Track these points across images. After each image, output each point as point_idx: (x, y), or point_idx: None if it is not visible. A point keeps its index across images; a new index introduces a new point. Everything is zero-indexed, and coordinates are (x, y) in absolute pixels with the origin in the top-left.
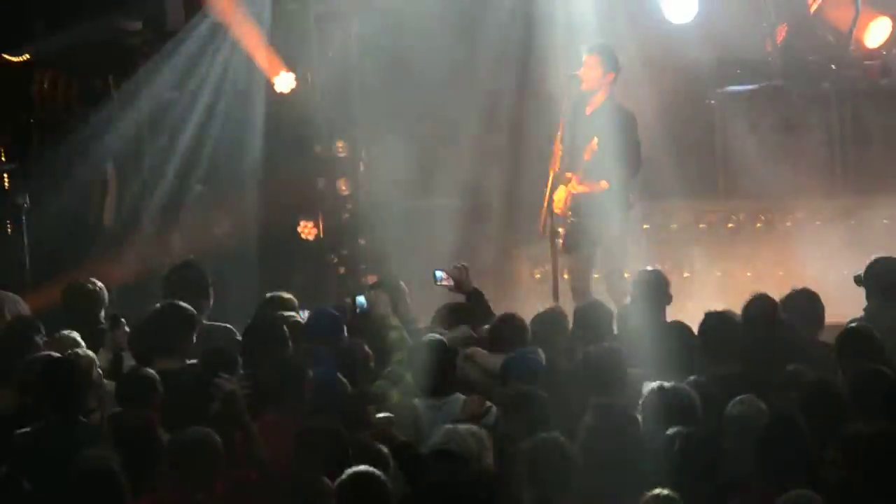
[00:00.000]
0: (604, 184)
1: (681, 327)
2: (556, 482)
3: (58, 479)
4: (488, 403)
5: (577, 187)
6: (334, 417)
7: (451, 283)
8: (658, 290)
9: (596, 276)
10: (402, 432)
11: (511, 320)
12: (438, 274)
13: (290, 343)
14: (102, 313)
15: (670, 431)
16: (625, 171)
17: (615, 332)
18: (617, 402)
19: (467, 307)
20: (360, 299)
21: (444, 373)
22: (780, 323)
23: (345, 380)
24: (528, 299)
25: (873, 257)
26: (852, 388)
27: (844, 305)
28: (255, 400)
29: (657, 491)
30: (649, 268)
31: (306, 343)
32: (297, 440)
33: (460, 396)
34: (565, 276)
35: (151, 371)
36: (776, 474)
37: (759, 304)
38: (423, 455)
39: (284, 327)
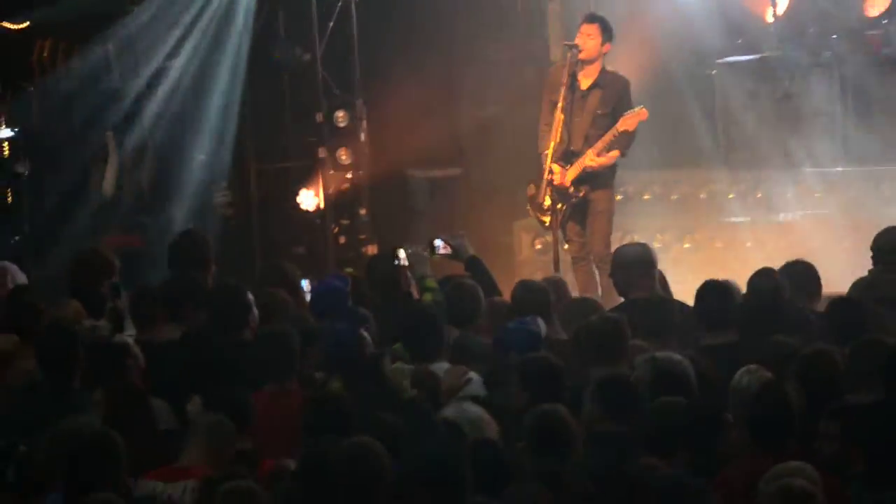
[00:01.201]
0: (615, 153)
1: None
2: (560, 453)
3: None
4: (469, 375)
5: (595, 160)
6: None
7: (449, 251)
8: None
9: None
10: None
11: (532, 286)
12: (437, 243)
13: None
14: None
15: (663, 400)
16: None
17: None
18: (620, 372)
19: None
20: (400, 251)
21: (430, 338)
22: (781, 295)
23: (367, 336)
24: (528, 269)
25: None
26: (851, 358)
27: (847, 277)
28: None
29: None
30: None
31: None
32: (303, 409)
33: (445, 365)
34: (565, 247)
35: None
36: (766, 444)
37: (764, 277)
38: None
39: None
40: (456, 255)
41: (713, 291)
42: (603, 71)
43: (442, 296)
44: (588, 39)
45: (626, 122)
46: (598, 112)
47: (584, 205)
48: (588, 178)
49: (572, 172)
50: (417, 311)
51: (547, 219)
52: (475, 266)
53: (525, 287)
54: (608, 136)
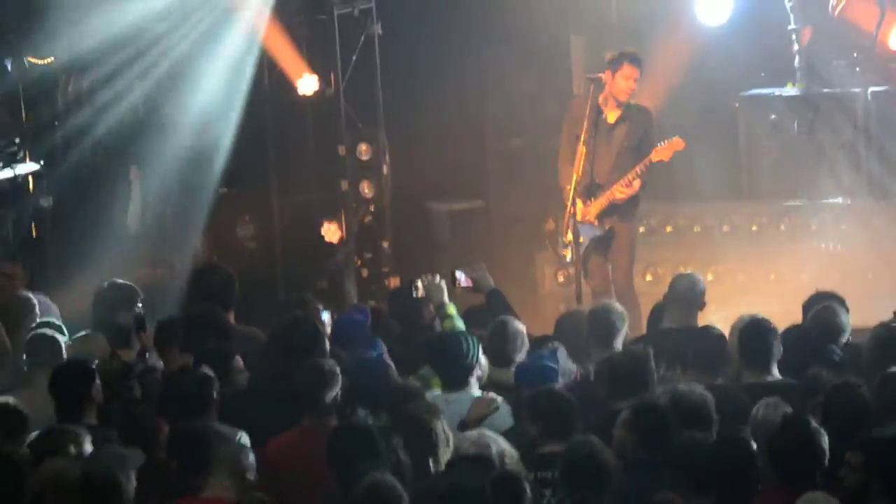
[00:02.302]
0: (637, 182)
1: (711, 330)
2: (591, 486)
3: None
4: (497, 403)
5: (624, 191)
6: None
7: (470, 283)
8: (693, 294)
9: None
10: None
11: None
12: (458, 275)
13: (320, 347)
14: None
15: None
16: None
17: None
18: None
19: (487, 308)
20: (417, 282)
21: (460, 367)
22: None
23: (391, 365)
24: (551, 302)
25: None
26: (879, 391)
27: (870, 308)
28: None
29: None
30: (687, 271)
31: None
32: (329, 444)
33: (473, 394)
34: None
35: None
36: (789, 477)
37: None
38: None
39: (311, 331)
40: (477, 287)
41: (755, 330)
42: (629, 104)
43: (459, 322)
44: (631, 82)
45: (661, 153)
46: (625, 145)
47: (607, 238)
48: (612, 211)
49: (595, 207)
50: (446, 338)
51: (568, 253)
52: (496, 298)
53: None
54: (640, 167)
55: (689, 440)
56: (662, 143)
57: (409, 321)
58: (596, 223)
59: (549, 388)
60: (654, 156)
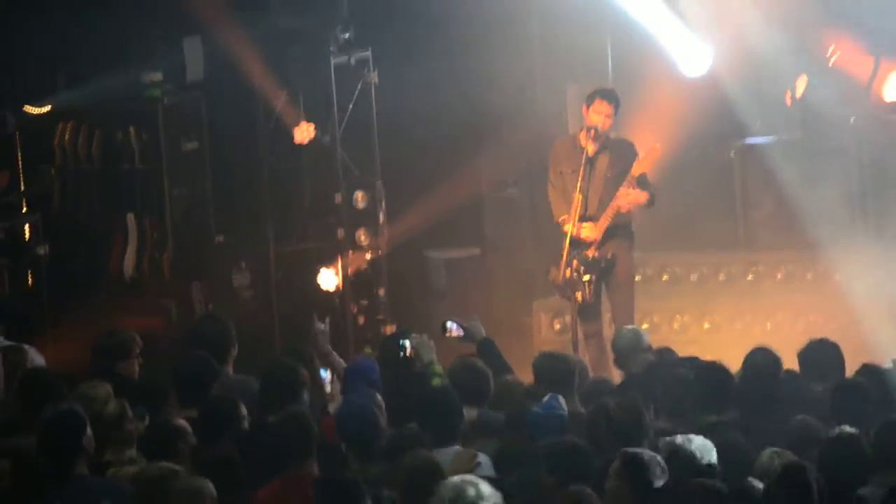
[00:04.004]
0: (644, 194)
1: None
2: None
3: None
4: (477, 459)
5: (626, 197)
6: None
7: (462, 333)
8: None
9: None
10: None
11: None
12: (449, 325)
13: (305, 396)
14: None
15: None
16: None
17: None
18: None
19: (478, 357)
20: (405, 342)
21: (448, 421)
22: (776, 372)
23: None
24: (548, 349)
25: None
26: (875, 440)
27: (868, 358)
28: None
29: None
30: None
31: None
32: (315, 494)
33: (457, 449)
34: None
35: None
36: None
37: (760, 356)
38: None
39: (297, 380)
40: (469, 336)
41: (710, 372)
42: (608, 137)
43: (447, 381)
44: (605, 119)
45: (641, 165)
46: (608, 175)
47: (606, 275)
48: (610, 241)
49: (598, 229)
50: (436, 394)
51: (579, 294)
52: (487, 348)
53: (549, 357)
54: (625, 185)
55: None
56: (641, 155)
57: (400, 370)
58: (597, 254)
59: (568, 441)
60: (636, 169)
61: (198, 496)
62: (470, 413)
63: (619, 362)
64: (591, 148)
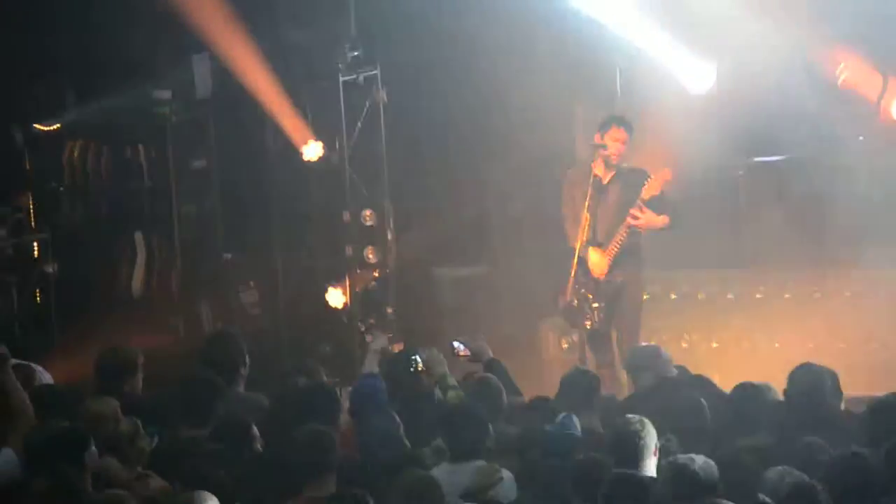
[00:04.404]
0: (664, 218)
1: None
2: None
3: None
4: (500, 475)
5: (640, 216)
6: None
7: (468, 353)
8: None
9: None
10: None
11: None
12: (456, 345)
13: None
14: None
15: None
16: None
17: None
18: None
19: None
20: (416, 357)
21: (473, 438)
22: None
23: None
24: (555, 368)
25: None
26: (886, 460)
27: (876, 377)
28: (287, 476)
29: None
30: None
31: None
32: None
33: (479, 464)
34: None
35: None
36: None
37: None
38: None
39: (315, 397)
40: (475, 357)
41: (747, 393)
42: (620, 166)
43: (461, 392)
44: (620, 144)
45: (651, 188)
46: (619, 203)
47: (614, 301)
48: (619, 268)
49: (607, 255)
50: (461, 408)
51: (588, 321)
52: (494, 368)
53: (579, 373)
54: (636, 207)
55: None
56: (650, 178)
57: (405, 388)
58: (607, 280)
59: (595, 458)
60: (646, 192)
61: None
62: None
63: (632, 374)
64: (606, 177)
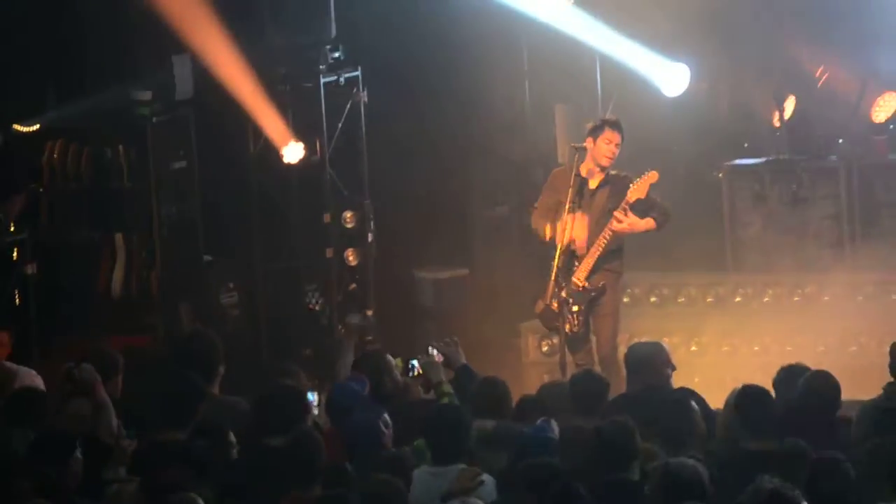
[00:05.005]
0: (650, 221)
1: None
2: None
3: None
4: (481, 477)
5: (624, 219)
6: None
7: (441, 358)
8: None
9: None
10: None
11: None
12: (430, 349)
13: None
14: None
15: None
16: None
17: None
18: (627, 477)
19: (455, 383)
20: (414, 363)
21: (456, 441)
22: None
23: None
24: (535, 371)
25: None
26: (869, 461)
27: (856, 381)
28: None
29: None
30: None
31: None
32: None
33: (461, 467)
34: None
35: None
36: None
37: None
38: None
39: (299, 400)
40: (447, 362)
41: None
42: (608, 172)
43: (455, 400)
44: (613, 147)
45: (638, 190)
46: (607, 208)
47: (592, 305)
48: (599, 269)
49: (583, 270)
50: (443, 411)
51: (567, 325)
52: (464, 375)
53: (588, 376)
54: (620, 209)
55: None
56: (637, 181)
57: (376, 386)
58: (587, 286)
59: (546, 461)
60: (631, 194)
61: None
62: (487, 424)
63: (632, 369)
64: (593, 182)
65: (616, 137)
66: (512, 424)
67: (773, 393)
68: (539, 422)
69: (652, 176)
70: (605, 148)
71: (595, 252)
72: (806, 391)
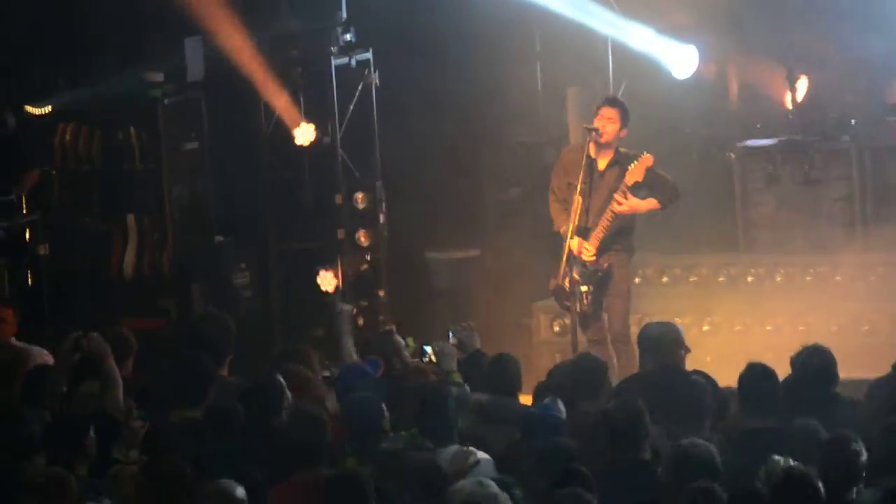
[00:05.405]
0: (652, 201)
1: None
2: None
3: None
4: (475, 457)
5: (624, 202)
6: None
7: (456, 342)
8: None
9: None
10: None
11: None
12: (450, 333)
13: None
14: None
15: (690, 487)
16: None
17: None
18: (637, 457)
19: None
20: (427, 348)
21: (445, 423)
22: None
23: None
24: (547, 351)
25: None
26: (881, 441)
27: (867, 361)
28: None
29: None
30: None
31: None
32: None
33: (453, 448)
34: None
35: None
36: None
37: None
38: None
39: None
40: (461, 347)
41: (758, 375)
42: (618, 151)
43: (466, 389)
44: (609, 123)
45: (634, 174)
46: (615, 187)
47: (602, 285)
48: (607, 252)
49: (592, 245)
50: (432, 393)
51: (577, 304)
52: (475, 360)
53: (587, 358)
54: (618, 193)
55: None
56: (632, 165)
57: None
58: (594, 263)
59: (559, 442)
60: (629, 178)
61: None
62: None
63: (644, 349)
64: (602, 163)
65: (612, 113)
66: (509, 399)
67: (786, 371)
68: (546, 401)
69: (647, 159)
70: (602, 124)
71: (599, 233)
72: (800, 367)
